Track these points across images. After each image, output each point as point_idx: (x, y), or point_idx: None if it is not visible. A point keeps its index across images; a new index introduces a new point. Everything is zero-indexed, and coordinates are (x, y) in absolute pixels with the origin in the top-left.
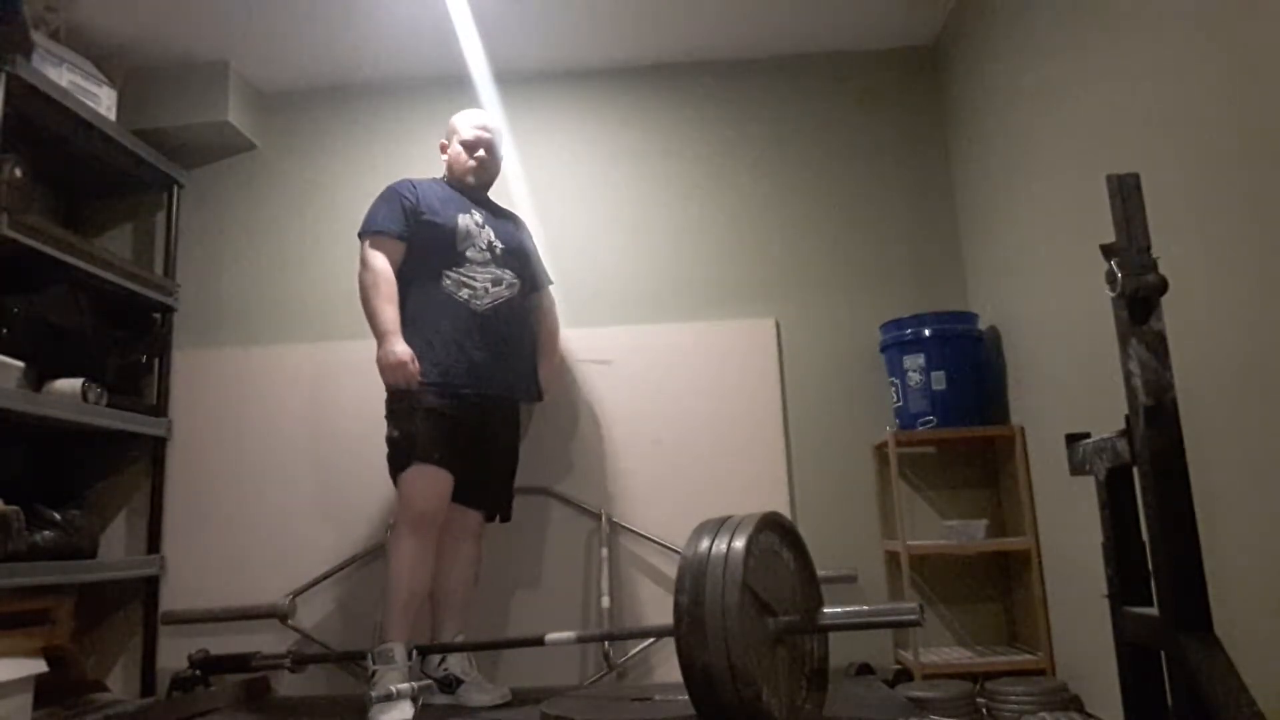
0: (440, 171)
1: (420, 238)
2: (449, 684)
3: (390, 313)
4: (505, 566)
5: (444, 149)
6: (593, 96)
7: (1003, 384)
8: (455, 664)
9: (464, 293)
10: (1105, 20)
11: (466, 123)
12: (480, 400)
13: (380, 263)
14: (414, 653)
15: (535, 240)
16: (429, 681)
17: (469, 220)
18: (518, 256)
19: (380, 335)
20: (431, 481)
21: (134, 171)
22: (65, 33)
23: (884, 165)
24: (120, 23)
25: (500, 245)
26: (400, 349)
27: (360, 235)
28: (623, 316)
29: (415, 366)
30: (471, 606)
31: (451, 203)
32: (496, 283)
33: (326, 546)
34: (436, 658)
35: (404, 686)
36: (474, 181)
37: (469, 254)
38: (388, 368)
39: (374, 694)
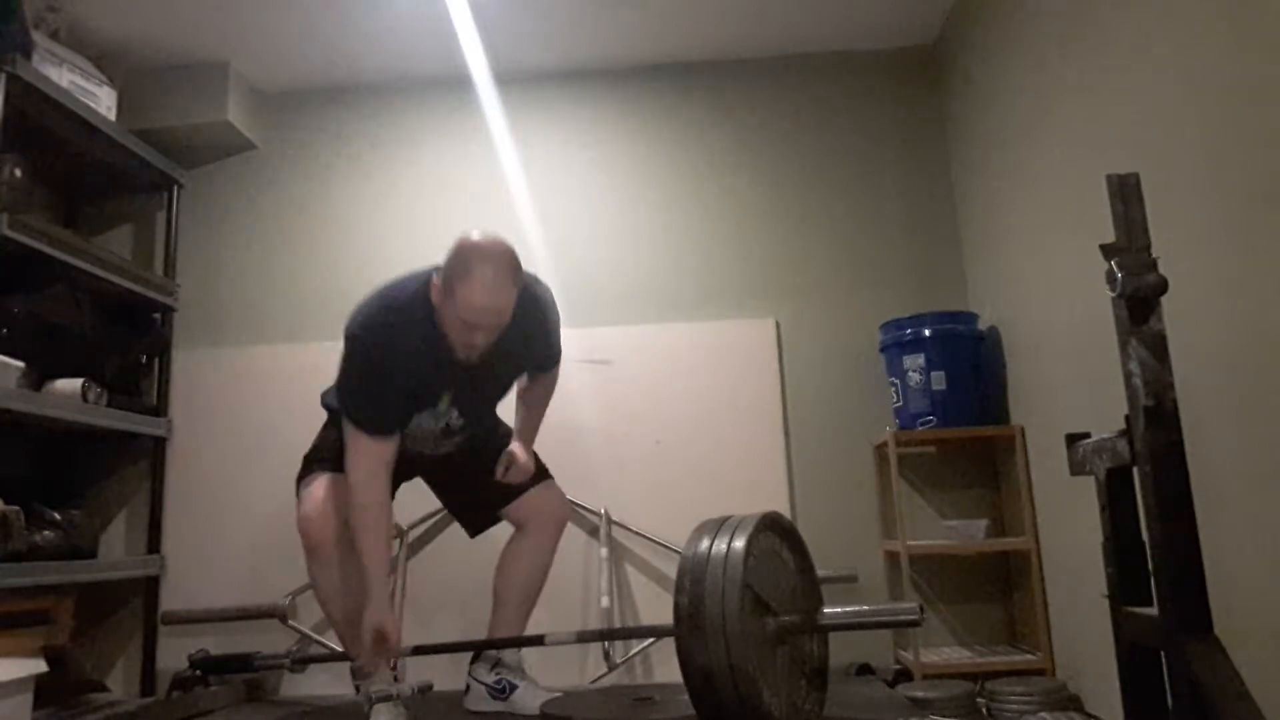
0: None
1: (402, 390)
2: (502, 690)
3: (383, 562)
4: None
5: (436, 290)
6: (593, 96)
7: (1003, 384)
8: (510, 668)
9: (439, 424)
10: (1105, 20)
11: (472, 299)
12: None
13: (378, 483)
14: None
15: (545, 322)
16: (429, 682)
17: (432, 414)
18: (489, 406)
19: (368, 591)
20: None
21: (134, 171)
22: (65, 33)
23: (884, 165)
24: (120, 23)
25: (461, 421)
26: (390, 622)
27: (345, 417)
28: (623, 316)
29: (397, 643)
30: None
31: (429, 381)
32: (474, 419)
33: None
34: (488, 662)
35: (403, 686)
36: (461, 357)
37: (421, 422)
38: (369, 634)
39: (373, 691)
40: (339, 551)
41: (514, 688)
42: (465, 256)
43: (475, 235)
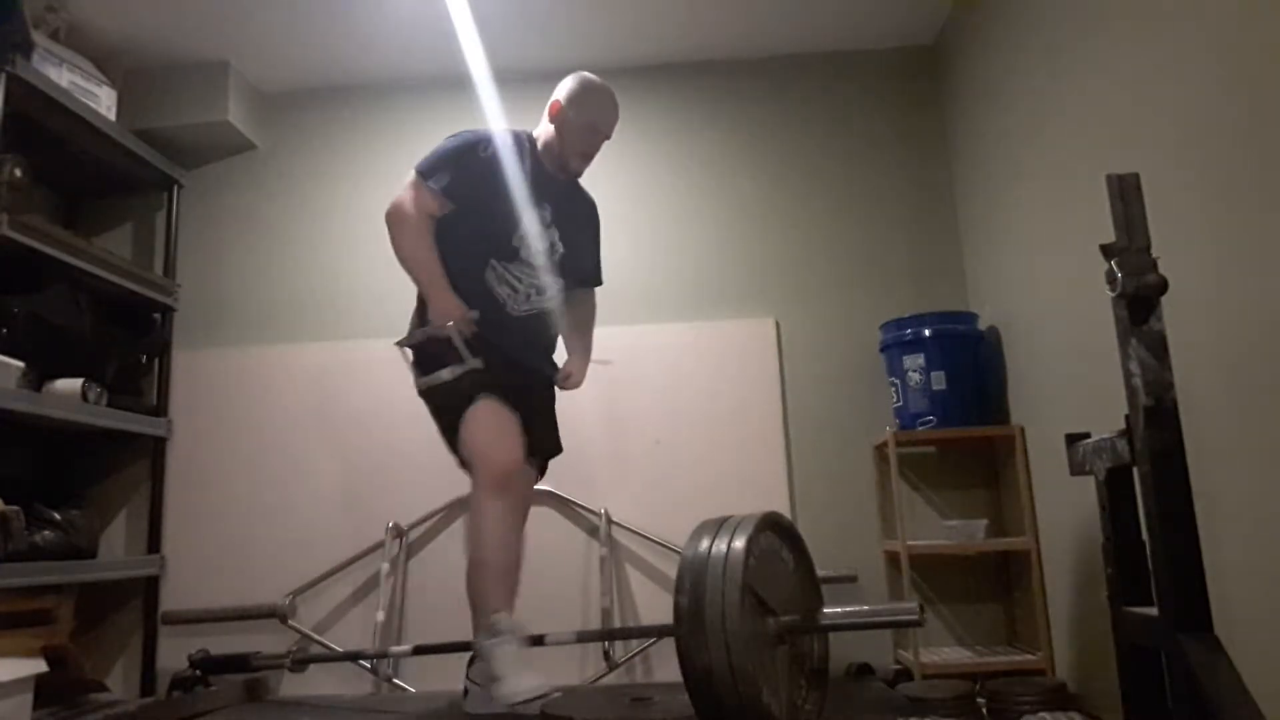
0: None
1: (477, 216)
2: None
3: (435, 262)
4: None
5: (555, 111)
6: None
7: (1003, 384)
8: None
9: (503, 290)
10: (1105, 20)
11: (597, 108)
12: (512, 366)
13: (416, 217)
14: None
15: (597, 222)
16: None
17: (538, 217)
18: (574, 259)
19: (428, 285)
20: (500, 422)
21: (134, 171)
22: (65, 33)
23: (884, 165)
24: (120, 23)
25: (561, 250)
26: (454, 302)
27: (417, 171)
28: (623, 316)
29: (469, 316)
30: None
31: (524, 187)
32: (540, 291)
33: (326, 546)
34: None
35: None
36: (571, 171)
37: (523, 253)
38: (439, 315)
39: (498, 668)
40: (518, 488)
41: (496, 678)
42: (591, 80)
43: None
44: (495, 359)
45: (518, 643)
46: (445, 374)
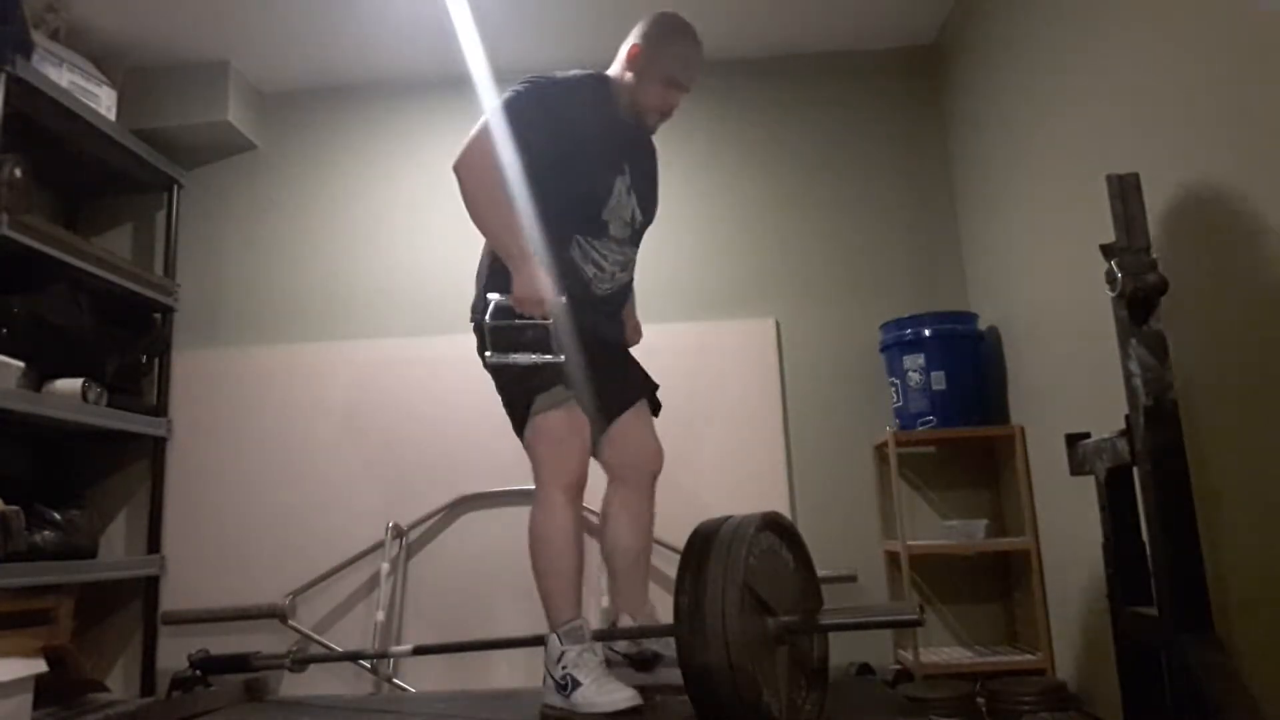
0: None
1: (564, 180)
2: (647, 661)
3: (521, 226)
4: (506, 566)
5: (633, 56)
6: None
7: (1003, 384)
8: (654, 640)
9: (589, 269)
10: (1105, 20)
11: (681, 60)
12: (592, 345)
13: (497, 168)
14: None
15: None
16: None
17: (622, 185)
18: (647, 223)
19: (514, 257)
20: (572, 429)
21: (134, 171)
22: (65, 33)
23: (884, 165)
24: (120, 23)
25: (640, 217)
26: (542, 278)
27: (494, 121)
28: None
29: (559, 301)
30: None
31: (611, 150)
32: (624, 266)
33: (326, 546)
34: (554, 654)
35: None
36: (647, 126)
37: (611, 228)
38: (525, 294)
39: (581, 676)
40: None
41: (577, 685)
42: (674, 23)
43: (667, 11)
44: (575, 345)
45: (597, 650)
46: (521, 359)
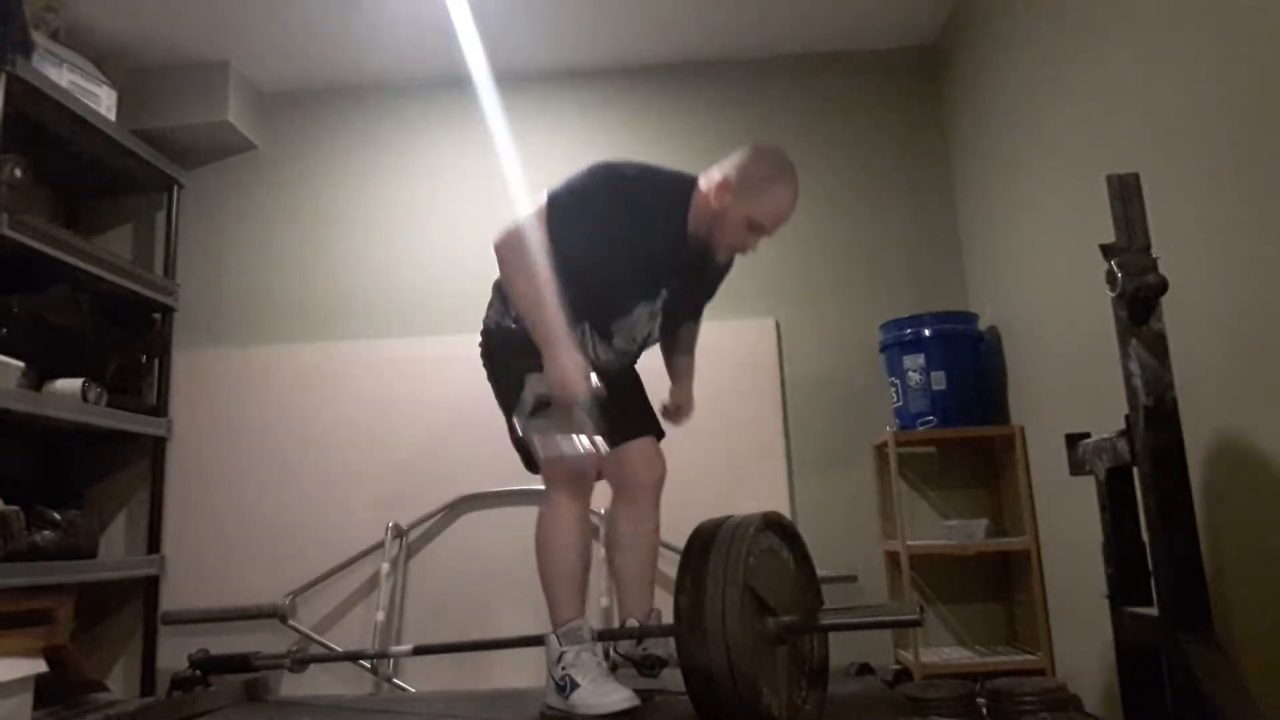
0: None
1: (593, 280)
2: (651, 665)
3: (554, 307)
4: (506, 566)
5: (723, 189)
6: (593, 96)
7: (1003, 384)
8: (657, 643)
9: (601, 353)
10: (1106, 20)
11: (771, 210)
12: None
13: (539, 253)
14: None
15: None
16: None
17: (647, 310)
18: (686, 310)
19: (549, 341)
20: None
21: (134, 171)
22: (65, 33)
23: (884, 165)
24: (120, 23)
25: (655, 336)
26: (578, 365)
27: (551, 200)
28: None
29: (589, 385)
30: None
31: (658, 271)
32: (621, 358)
33: (326, 546)
34: (554, 655)
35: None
36: (718, 258)
37: (616, 339)
38: (559, 384)
39: (579, 677)
40: (590, 492)
41: (575, 686)
42: (780, 163)
43: (773, 145)
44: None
45: (596, 651)
46: (565, 447)
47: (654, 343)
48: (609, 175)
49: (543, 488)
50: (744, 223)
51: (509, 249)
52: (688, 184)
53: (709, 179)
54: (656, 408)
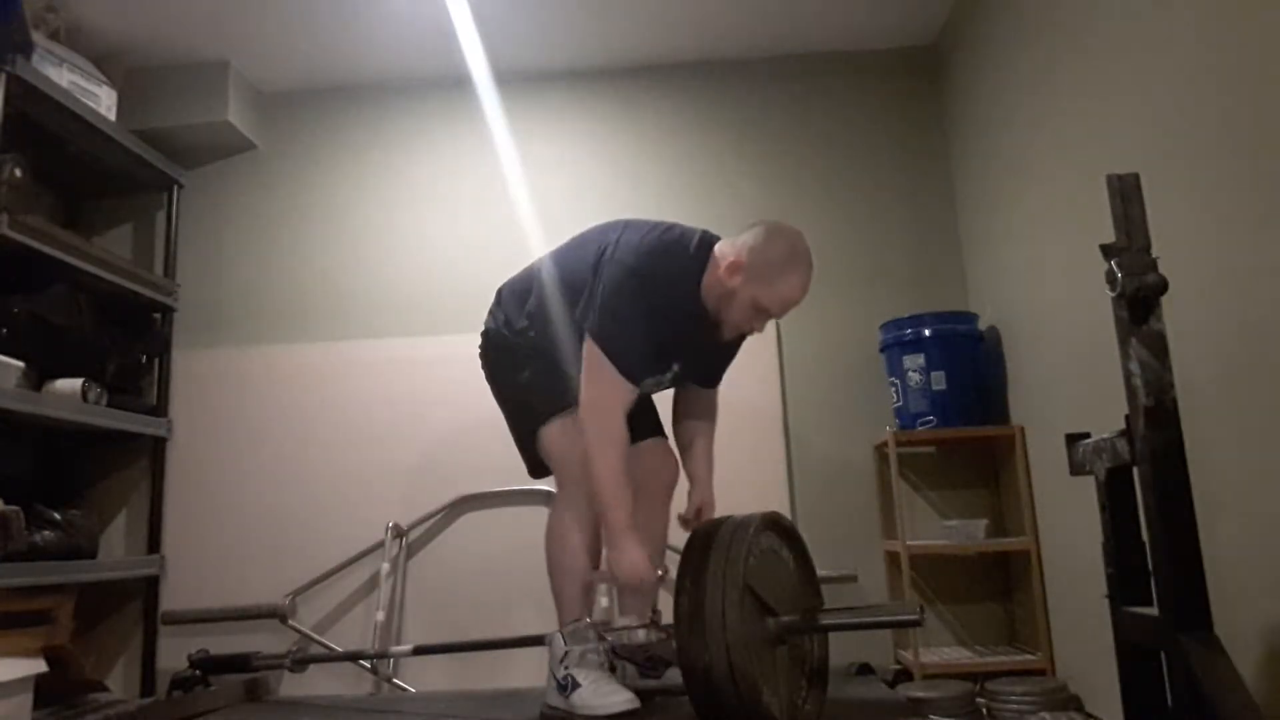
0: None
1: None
2: (652, 665)
3: (626, 499)
4: (506, 566)
5: (734, 269)
6: (593, 96)
7: (1003, 384)
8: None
9: None
10: (1105, 20)
11: (792, 293)
12: None
13: (619, 420)
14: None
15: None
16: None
17: (659, 380)
18: (690, 375)
19: (617, 533)
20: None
21: (134, 171)
22: (65, 33)
23: (884, 165)
24: (120, 23)
25: (663, 385)
26: (643, 556)
27: (608, 352)
28: None
29: (654, 571)
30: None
31: (674, 344)
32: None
33: (326, 546)
34: (557, 653)
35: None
36: (722, 335)
37: (645, 386)
38: (628, 574)
39: (581, 677)
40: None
41: (576, 686)
42: (794, 248)
43: (789, 226)
44: None
45: (600, 652)
46: (642, 635)
47: (666, 384)
48: (636, 272)
49: (542, 488)
50: (751, 305)
51: (587, 420)
52: (704, 254)
53: (724, 250)
54: (673, 509)
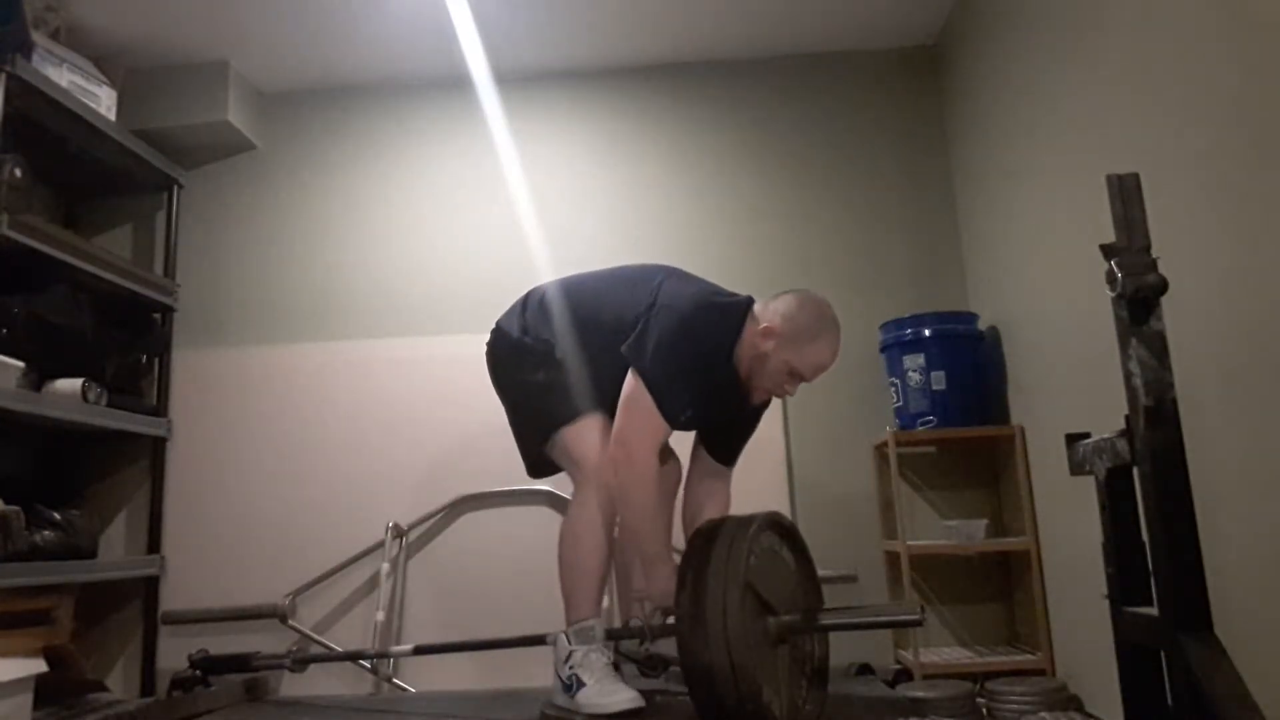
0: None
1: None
2: (654, 665)
3: (660, 528)
4: (506, 566)
5: (767, 335)
6: (593, 96)
7: (1003, 384)
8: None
9: None
10: (1105, 20)
11: (822, 358)
12: None
13: (653, 455)
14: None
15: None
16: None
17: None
18: (711, 438)
19: (653, 561)
20: (599, 424)
21: (134, 171)
22: (65, 33)
23: (884, 165)
24: (120, 23)
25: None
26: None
27: (655, 391)
28: None
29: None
30: None
31: (704, 401)
32: None
33: (326, 546)
34: (562, 653)
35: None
36: (753, 395)
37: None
38: (662, 599)
39: (586, 677)
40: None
41: (581, 685)
42: (823, 315)
43: (817, 294)
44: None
45: (605, 651)
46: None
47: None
48: (683, 325)
49: (542, 488)
50: (784, 369)
51: (624, 463)
52: (744, 317)
53: (759, 315)
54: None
